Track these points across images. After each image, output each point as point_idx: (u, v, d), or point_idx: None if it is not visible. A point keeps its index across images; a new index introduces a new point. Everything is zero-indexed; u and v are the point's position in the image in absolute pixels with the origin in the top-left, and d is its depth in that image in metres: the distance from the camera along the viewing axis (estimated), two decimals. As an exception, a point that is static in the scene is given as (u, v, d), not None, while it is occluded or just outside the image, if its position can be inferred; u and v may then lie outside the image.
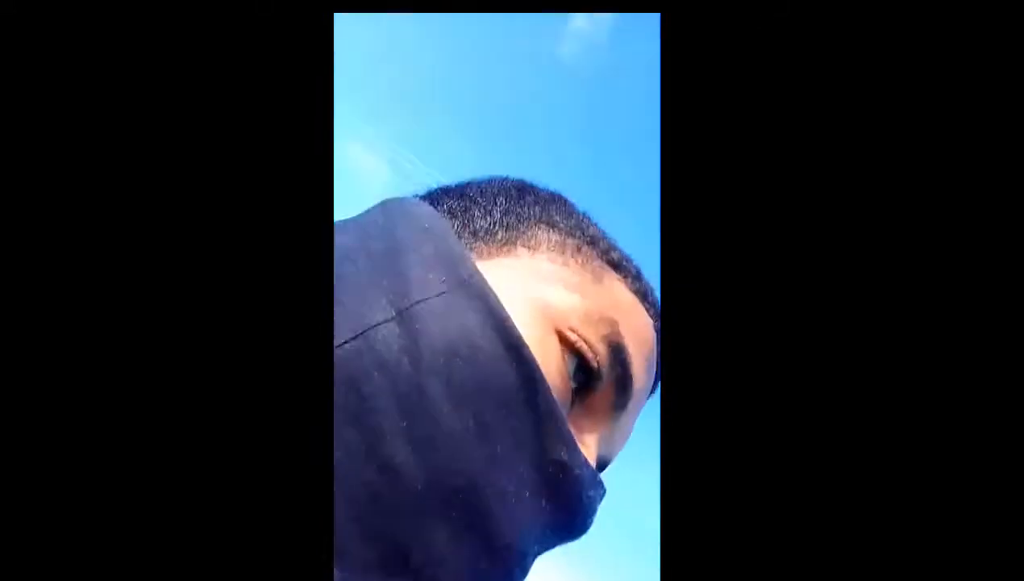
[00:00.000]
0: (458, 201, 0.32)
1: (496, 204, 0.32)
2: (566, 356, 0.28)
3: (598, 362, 0.28)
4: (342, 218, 0.30)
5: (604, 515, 0.28)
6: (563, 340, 0.28)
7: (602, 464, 0.30)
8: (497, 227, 0.31)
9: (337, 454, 0.23)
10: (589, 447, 0.28)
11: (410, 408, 0.23)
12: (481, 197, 0.33)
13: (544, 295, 0.28)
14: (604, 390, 0.29)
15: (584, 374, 0.28)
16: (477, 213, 0.31)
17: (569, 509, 0.26)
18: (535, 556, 0.26)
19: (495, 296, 0.26)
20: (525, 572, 0.26)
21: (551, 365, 0.27)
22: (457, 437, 0.24)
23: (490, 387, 0.25)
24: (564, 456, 0.26)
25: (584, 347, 0.28)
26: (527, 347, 0.26)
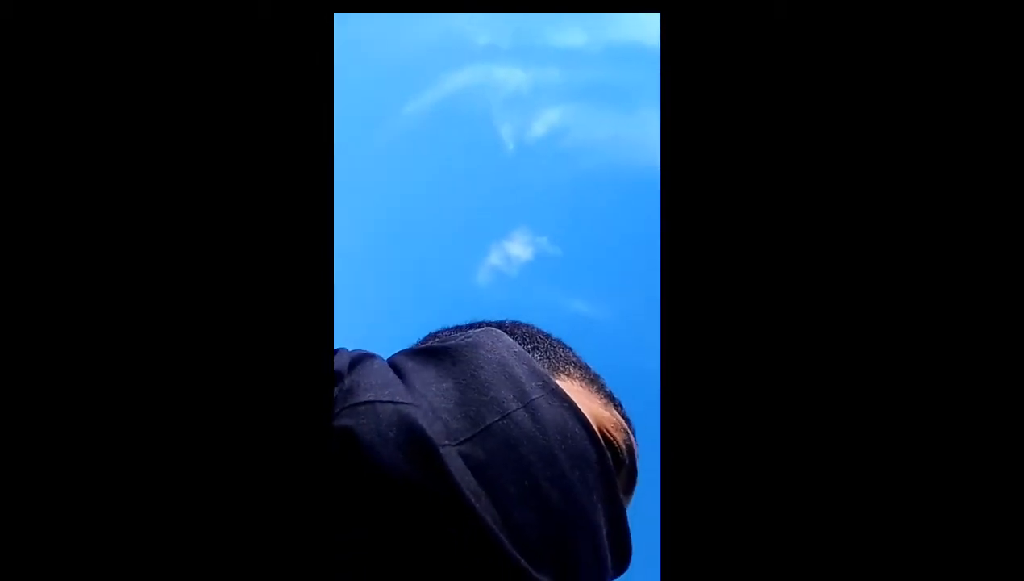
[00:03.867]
0: (511, 337, 0.44)
1: (539, 344, 0.46)
2: (611, 453, 0.40)
3: (623, 457, 0.41)
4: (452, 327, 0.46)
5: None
6: (604, 438, 0.40)
7: None
8: (545, 360, 0.44)
9: (512, 490, 0.34)
10: None
11: (550, 463, 0.35)
12: (527, 337, 0.46)
13: (590, 407, 0.41)
14: (622, 479, 0.41)
15: (616, 465, 0.40)
16: (530, 347, 0.44)
17: (623, 550, 0.38)
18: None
19: (573, 401, 0.39)
20: None
21: None
22: (577, 487, 0.35)
23: (586, 461, 0.36)
24: (621, 511, 0.38)
25: (617, 445, 0.40)
26: (599, 437, 0.38)
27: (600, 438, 0.38)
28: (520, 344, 0.43)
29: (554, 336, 0.48)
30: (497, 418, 0.36)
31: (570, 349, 0.47)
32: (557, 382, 0.41)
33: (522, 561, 0.32)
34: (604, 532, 0.36)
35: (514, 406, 0.36)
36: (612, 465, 0.38)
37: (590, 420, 0.39)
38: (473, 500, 0.32)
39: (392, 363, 0.39)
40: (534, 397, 0.37)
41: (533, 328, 0.48)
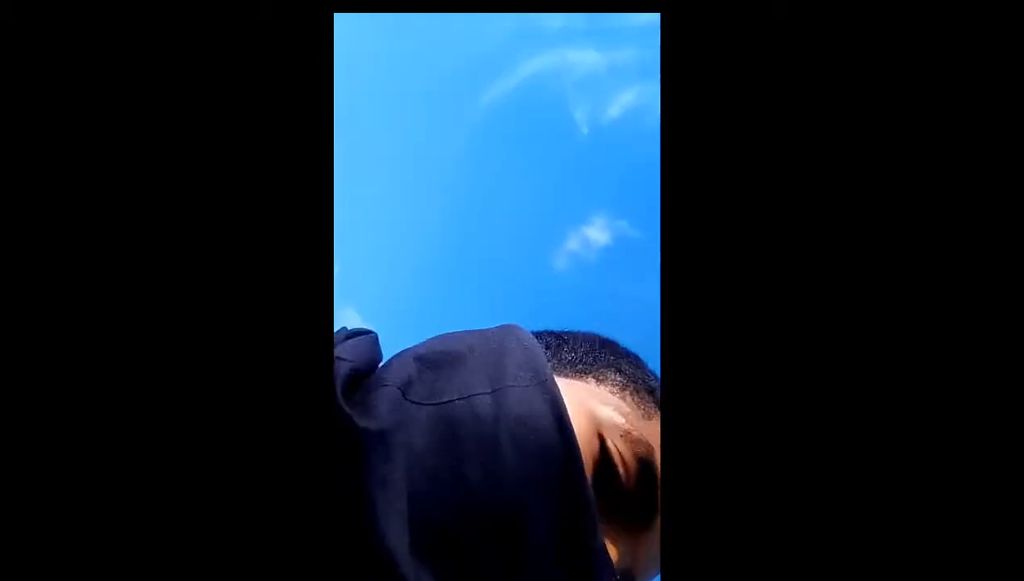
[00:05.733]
0: (554, 339, 0.43)
1: (581, 347, 0.43)
2: (600, 456, 0.37)
3: (625, 470, 0.36)
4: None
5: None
6: (602, 444, 0.36)
7: (625, 575, 0.37)
8: (578, 362, 0.42)
9: (432, 458, 0.32)
10: (611, 544, 0.36)
11: (485, 447, 0.33)
12: (572, 341, 0.44)
13: (597, 410, 0.38)
14: (631, 501, 0.37)
15: (610, 476, 0.36)
16: (566, 349, 0.43)
17: (583, 572, 0.33)
18: None
19: (560, 395, 0.35)
20: None
21: (588, 457, 0.35)
22: (511, 476, 0.32)
23: (543, 454, 0.33)
24: (586, 521, 0.33)
25: (615, 454, 0.36)
26: (574, 434, 0.34)
27: (571, 431, 0.34)
28: (555, 345, 0.42)
29: (621, 346, 0.45)
30: (454, 397, 0.34)
31: (632, 359, 0.44)
32: (578, 380, 0.39)
33: (387, 528, 0.30)
34: (544, 539, 0.32)
35: (480, 390, 0.35)
36: (579, 463, 0.34)
37: (583, 417, 0.36)
38: (361, 422, 0.31)
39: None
40: (510, 385, 0.35)
41: (593, 335, 0.45)
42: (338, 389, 0.33)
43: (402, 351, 0.38)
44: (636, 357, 0.44)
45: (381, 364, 0.37)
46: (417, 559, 0.30)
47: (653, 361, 0.45)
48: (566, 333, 0.45)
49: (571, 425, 0.34)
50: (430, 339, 0.39)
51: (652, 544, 0.38)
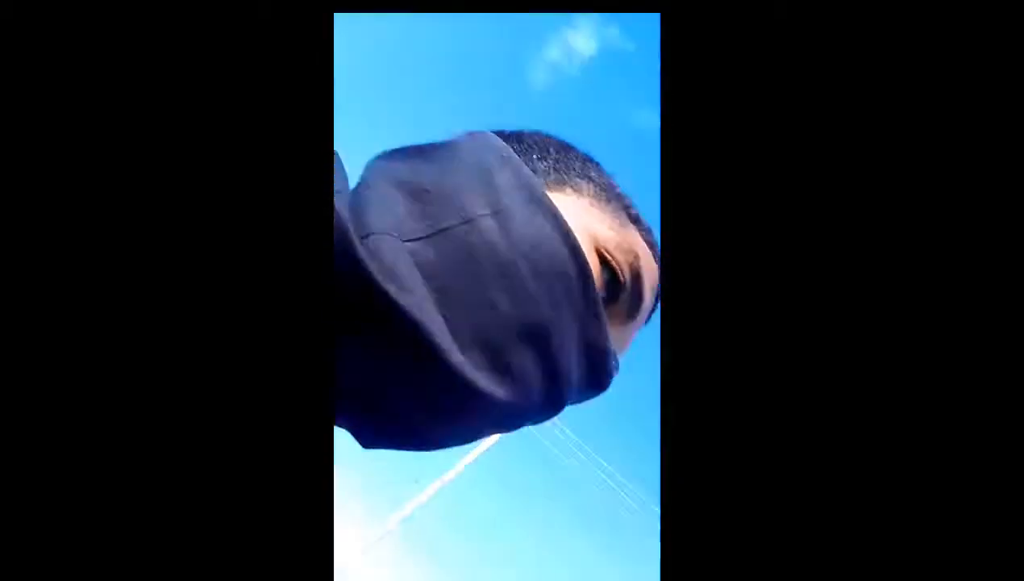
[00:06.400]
0: (518, 144, 0.42)
1: (549, 153, 0.43)
2: (602, 269, 0.39)
3: (623, 278, 0.40)
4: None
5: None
6: (601, 258, 0.39)
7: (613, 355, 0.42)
8: (551, 171, 0.42)
9: (457, 286, 0.33)
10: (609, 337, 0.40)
11: (506, 272, 0.34)
12: (536, 146, 0.43)
13: (589, 224, 0.39)
14: (622, 303, 0.40)
15: (612, 285, 0.39)
16: (536, 156, 0.42)
17: (597, 369, 0.38)
18: (570, 402, 0.38)
19: (561, 216, 0.37)
20: (562, 408, 0.38)
21: (593, 272, 0.38)
22: (536, 297, 0.35)
23: (557, 273, 0.36)
24: (598, 330, 0.37)
25: (616, 265, 0.39)
26: (583, 252, 0.37)
27: (582, 252, 0.37)
28: (523, 152, 0.42)
29: (580, 150, 0.45)
30: (457, 222, 0.35)
31: (594, 164, 0.45)
32: (559, 194, 0.40)
33: (452, 353, 0.31)
34: (568, 347, 0.36)
35: (481, 212, 0.35)
36: (592, 281, 0.37)
37: (581, 234, 0.38)
38: (386, 285, 0.31)
39: (368, 165, 0.38)
40: (508, 204, 0.36)
41: (551, 138, 0.45)
42: (356, 244, 0.31)
43: (373, 172, 0.37)
44: (594, 161, 0.46)
45: (358, 185, 0.36)
46: (476, 369, 0.33)
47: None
48: (524, 134, 0.45)
49: (580, 247, 0.37)
50: (397, 153, 0.38)
51: (630, 334, 0.43)
